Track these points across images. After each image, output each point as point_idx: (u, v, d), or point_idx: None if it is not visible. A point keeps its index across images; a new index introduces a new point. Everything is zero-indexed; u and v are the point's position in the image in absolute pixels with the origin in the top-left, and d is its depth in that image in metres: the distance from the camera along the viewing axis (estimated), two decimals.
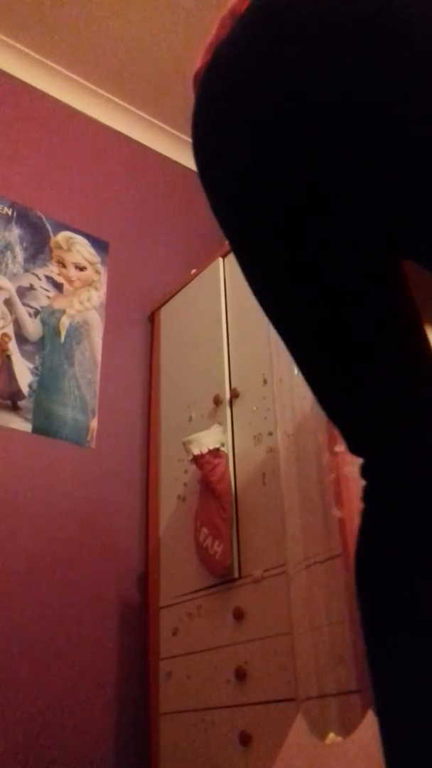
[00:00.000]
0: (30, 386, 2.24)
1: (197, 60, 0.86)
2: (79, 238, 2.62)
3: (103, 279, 2.62)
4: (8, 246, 2.40)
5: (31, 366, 2.28)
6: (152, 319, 2.66)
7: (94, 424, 2.34)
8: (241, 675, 1.70)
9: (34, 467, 2.15)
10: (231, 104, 0.76)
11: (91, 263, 2.61)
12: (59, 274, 2.50)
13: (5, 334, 2.26)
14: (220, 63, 0.78)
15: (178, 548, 2.08)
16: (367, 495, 0.77)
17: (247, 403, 2.00)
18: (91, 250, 2.64)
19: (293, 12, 0.69)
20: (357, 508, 1.47)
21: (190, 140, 3.16)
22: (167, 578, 2.10)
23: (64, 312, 2.44)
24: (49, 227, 2.56)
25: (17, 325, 2.31)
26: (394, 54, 0.63)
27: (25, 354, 2.28)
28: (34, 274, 2.43)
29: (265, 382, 1.94)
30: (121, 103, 3.01)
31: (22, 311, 2.34)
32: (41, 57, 2.80)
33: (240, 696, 1.70)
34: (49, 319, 2.40)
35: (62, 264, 2.53)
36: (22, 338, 2.30)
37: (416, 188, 0.63)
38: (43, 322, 2.37)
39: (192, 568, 1.98)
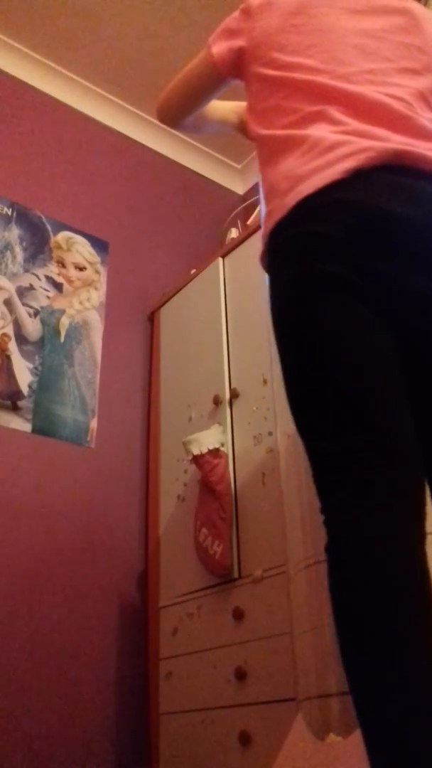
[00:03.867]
0: (30, 386, 2.24)
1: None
2: (78, 238, 2.62)
3: (102, 279, 2.62)
4: (8, 246, 2.40)
5: (31, 366, 2.28)
6: (152, 319, 2.66)
7: (93, 424, 2.34)
8: (240, 675, 1.70)
9: (34, 467, 2.15)
10: None
11: (90, 263, 2.61)
12: (59, 274, 2.50)
13: (5, 334, 2.26)
14: None
15: (177, 548, 2.08)
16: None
17: (246, 403, 2.00)
18: (91, 250, 2.64)
19: None
20: None
21: (190, 141, 3.18)
22: (167, 578, 2.10)
23: (63, 312, 2.44)
24: (48, 227, 2.56)
25: (17, 325, 2.31)
26: None
27: (24, 354, 2.28)
28: (33, 274, 2.43)
29: (264, 382, 1.94)
30: (121, 103, 3.01)
31: (22, 311, 2.34)
32: (41, 57, 2.80)
33: (240, 696, 1.70)
34: (49, 319, 2.40)
35: (62, 264, 2.53)
36: (21, 338, 2.29)
37: None
38: (42, 322, 2.37)
39: (192, 568, 1.98)
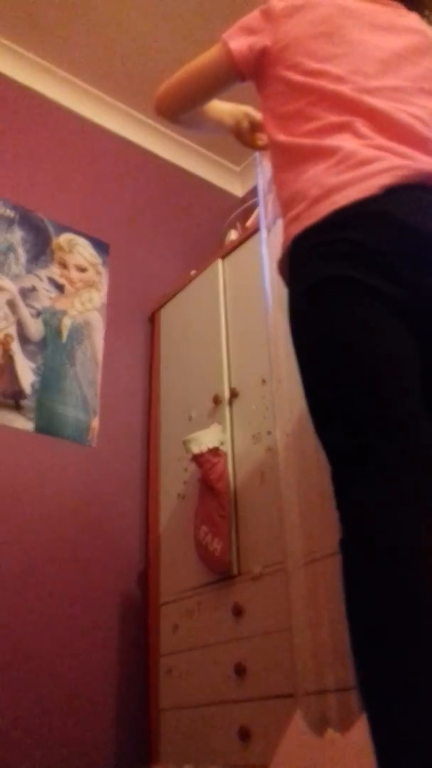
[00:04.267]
0: (32, 386, 2.25)
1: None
2: (80, 240, 2.63)
3: (104, 280, 2.63)
4: (11, 248, 2.42)
5: (34, 366, 2.29)
6: (152, 319, 2.67)
7: (95, 423, 2.35)
8: (240, 671, 1.71)
9: (37, 466, 2.16)
10: None
11: (92, 264, 2.62)
12: (61, 276, 2.51)
13: (8, 335, 2.27)
14: None
15: (178, 546, 2.09)
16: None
17: (246, 403, 2.01)
18: (92, 251, 2.65)
19: None
20: None
21: (190, 143, 3.19)
22: (167, 575, 2.11)
23: (65, 313, 2.46)
24: (50, 229, 2.57)
25: (20, 325, 2.32)
26: None
27: (27, 354, 2.29)
28: (36, 275, 2.44)
29: (263, 382, 1.95)
30: (122, 106, 3.02)
31: (25, 312, 2.35)
32: (42, 60, 2.81)
33: (239, 692, 1.71)
34: (51, 319, 2.41)
35: (64, 265, 2.54)
36: (24, 338, 2.31)
37: None
38: (45, 322, 2.39)
39: (192, 565, 1.99)
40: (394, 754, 0.76)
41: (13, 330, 2.29)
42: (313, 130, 1.14)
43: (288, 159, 1.18)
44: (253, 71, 1.31)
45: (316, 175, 1.10)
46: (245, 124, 1.55)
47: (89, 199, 2.77)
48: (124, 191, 2.92)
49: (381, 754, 0.78)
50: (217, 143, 3.17)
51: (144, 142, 3.09)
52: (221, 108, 1.52)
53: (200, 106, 1.44)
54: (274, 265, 1.85)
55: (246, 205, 2.82)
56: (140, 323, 2.67)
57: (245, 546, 1.84)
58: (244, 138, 1.57)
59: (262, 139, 1.57)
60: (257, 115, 1.55)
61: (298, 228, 1.09)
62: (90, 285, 2.58)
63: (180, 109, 1.44)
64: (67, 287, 2.51)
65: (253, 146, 1.59)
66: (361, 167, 1.06)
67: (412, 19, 1.31)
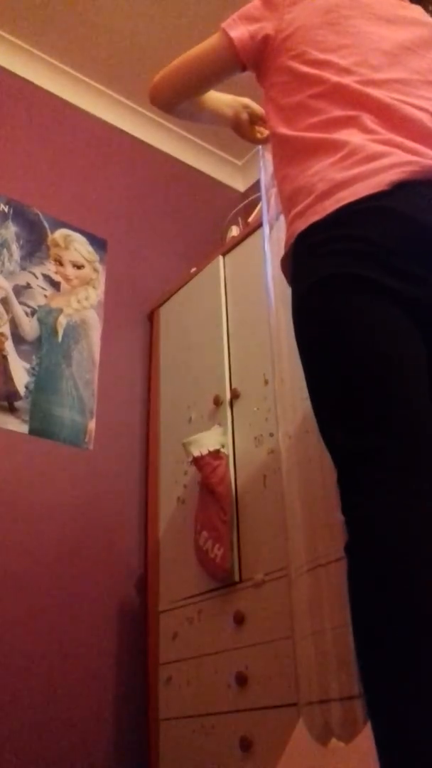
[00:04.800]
0: (27, 387, 2.23)
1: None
2: (77, 236, 2.60)
3: (101, 277, 2.61)
4: (4, 244, 2.39)
5: (28, 366, 2.26)
6: (151, 318, 2.65)
7: (92, 425, 2.32)
8: (241, 680, 1.70)
9: (31, 469, 2.14)
10: None
11: (89, 261, 2.60)
12: (57, 273, 2.49)
13: (1, 334, 2.25)
14: None
15: (177, 552, 2.07)
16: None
17: (247, 404, 1.99)
18: (89, 248, 2.62)
19: None
20: None
21: (190, 137, 3.16)
22: (167, 582, 2.09)
23: (61, 311, 2.43)
24: (46, 225, 2.54)
25: (14, 324, 2.29)
26: None
27: (21, 354, 2.26)
28: (31, 272, 2.41)
29: (266, 382, 1.93)
30: (120, 98, 3.01)
31: (19, 310, 2.32)
32: (39, 52, 2.80)
33: (240, 701, 1.69)
34: (47, 318, 2.38)
35: (60, 262, 2.51)
36: (18, 338, 2.28)
37: None
38: (40, 321, 2.36)
39: (192, 571, 1.97)
40: (396, 756, 0.77)
41: (6, 329, 2.27)
42: (318, 124, 1.14)
43: (291, 153, 1.17)
44: (254, 60, 1.31)
45: (322, 170, 1.09)
46: (244, 116, 1.55)
47: (86, 194, 2.75)
48: (123, 186, 2.90)
49: (383, 756, 0.78)
50: (219, 136, 3.15)
51: (143, 135, 3.08)
52: (219, 99, 1.52)
53: (197, 96, 1.44)
54: (277, 262, 1.82)
55: (248, 200, 2.80)
56: (139, 322, 2.65)
57: (247, 552, 1.83)
58: (243, 130, 1.56)
59: (261, 132, 1.57)
60: (257, 107, 1.54)
61: (303, 224, 1.08)
62: (87, 282, 2.55)
63: (176, 99, 1.43)
64: (63, 285, 2.48)
65: (253, 139, 1.59)
66: (369, 162, 1.05)
67: (417, 11, 1.31)
